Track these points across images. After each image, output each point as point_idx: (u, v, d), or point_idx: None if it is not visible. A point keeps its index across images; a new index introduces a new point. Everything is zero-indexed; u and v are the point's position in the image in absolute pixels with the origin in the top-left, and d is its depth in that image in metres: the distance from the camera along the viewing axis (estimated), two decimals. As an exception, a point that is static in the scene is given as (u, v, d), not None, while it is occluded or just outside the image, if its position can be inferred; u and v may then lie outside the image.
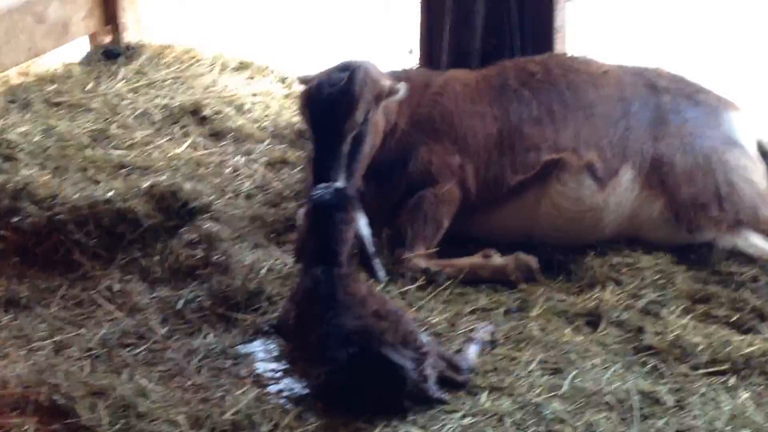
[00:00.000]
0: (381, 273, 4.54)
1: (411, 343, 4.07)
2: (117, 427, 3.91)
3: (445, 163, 5.22)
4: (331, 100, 4.97)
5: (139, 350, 4.47)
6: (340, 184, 4.66)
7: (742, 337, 4.52)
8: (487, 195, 5.26)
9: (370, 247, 4.49)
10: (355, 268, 4.49)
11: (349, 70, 5.02)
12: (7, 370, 4.18)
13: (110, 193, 5.18)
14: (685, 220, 5.15)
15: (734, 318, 4.68)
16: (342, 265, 4.37)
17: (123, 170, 5.75)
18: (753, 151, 5.31)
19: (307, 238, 4.51)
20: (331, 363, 4.04)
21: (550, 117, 5.27)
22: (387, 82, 5.11)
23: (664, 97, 5.31)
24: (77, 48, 7.44)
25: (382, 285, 4.78)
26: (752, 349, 4.39)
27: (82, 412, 3.95)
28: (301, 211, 4.69)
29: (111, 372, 4.28)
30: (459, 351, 4.36)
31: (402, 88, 5.12)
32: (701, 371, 4.32)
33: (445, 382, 4.16)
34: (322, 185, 4.57)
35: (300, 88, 5.43)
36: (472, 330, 4.55)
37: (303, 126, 5.93)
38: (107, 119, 6.36)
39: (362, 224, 4.50)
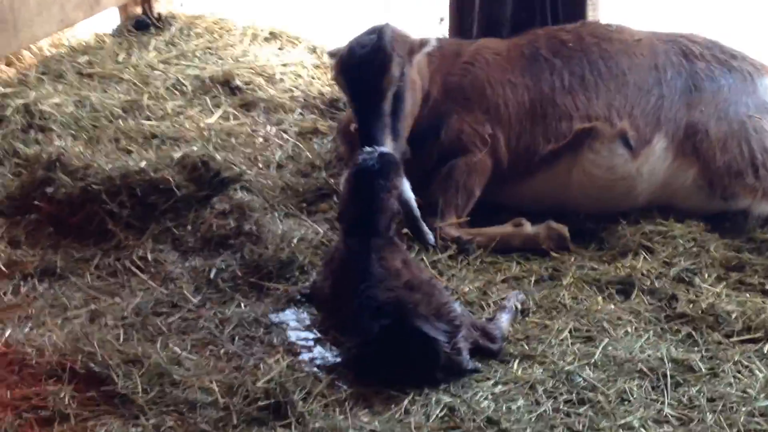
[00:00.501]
0: (429, 236, 4.56)
1: (444, 316, 4.07)
2: (152, 394, 3.95)
3: (477, 132, 5.20)
4: (366, 60, 4.95)
5: (172, 319, 4.50)
6: (384, 148, 4.61)
7: (776, 304, 4.49)
8: (519, 164, 5.25)
9: (416, 212, 4.48)
10: (394, 235, 4.47)
11: (375, 31, 5.01)
12: (43, 339, 4.22)
13: (143, 164, 5.21)
14: (720, 187, 5.11)
15: (768, 286, 4.65)
16: (380, 234, 4.37)
17: (155, 140, 5.79)
18: (789, 118, 5.26)
19: (347, 205, 4.51)
20: (364, 335, 4.05)
21: (583, 86, 5.24)
22: (415, 38, 5.11)
23: (698, 64, 5.26)
24: (108, 19, 7.47)
25: (430, 250, 4.83)
26: (787, 316, 4.37)
27: (118, 380, 3.99)
28: (344, 176, 4.67)
29: (145, 340, 4.32)
30: (491, 319, 4.36)
31: (433, 39, 5.11)
32: (734, 339, 4.30)
33: (478, 351, 4.16)
34: (367, 150, 4.55)
35: (331, 61, 5.42)
36: (503, 299, 4.55)
37: (340, 95, 5.92)
38: (139, 90, 6.40)
39: (406, 190, 4.48)
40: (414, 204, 4.50)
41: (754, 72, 5.29)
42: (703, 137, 5.12)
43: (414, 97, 5.11)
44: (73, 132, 5.82)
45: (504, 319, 4.37)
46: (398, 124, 4.97)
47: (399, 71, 4.95)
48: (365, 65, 4.95)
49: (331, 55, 5.34)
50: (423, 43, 5.11)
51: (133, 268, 4.85)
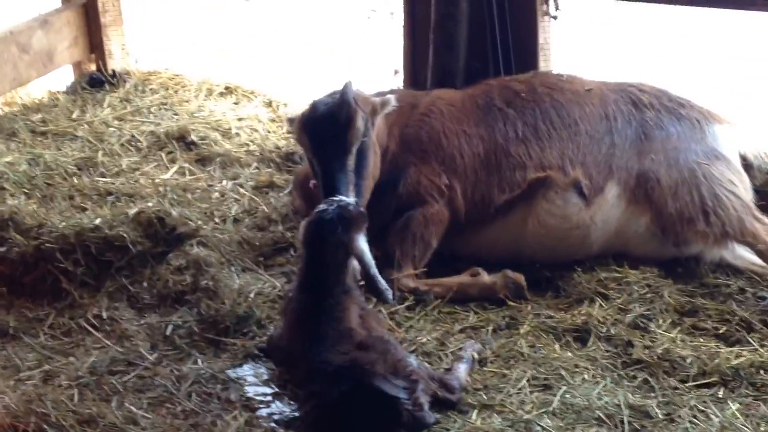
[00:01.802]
0: (388, 293, 4.43)
1: (401, 371, 4.04)
2: (107, 455, 3.90)
3: (433, 183, 5.23)
4: (331, 113, 4.94)
5: (128, 377, 4.46)
6: (347, 199, 4.52)
7: (730, 348, 4.53)
8: (475, 214, 5.27)
9: (373, 268, 4.39)
10: (350, 288, 4.42)
11: (337, 92, 5.03)
12: (-5, 401, 4.17)
13: (97, 221, 5.18)
14: (672, 234, 5.16)
15: (722, 330, 4.68)
16: (332, 293, 4.31)
17: (110, 197, 5.76)
18: (737, 163, 5.34)
19: (302, 257, 4.47)
20: (321, 397, 4.01)
21: (536, 135, 5.29)
22: (376, 99, 5.14)
23: (647, 113, 5.34)
24: (62, 76, 7.46)
25: (390, 305, 4.81)
26: (740, 360, 4.40)
27: (72, 441, 3.94)
28: (303, 223, 4.54)
29: (100, 400, 4.27)
30: (449, 370, 4.36)
31: (392, 98, 5.15)
32: (690, 384, 4.32)
33: (436, 402, 4.15)
34: (329, 200, 4.49)
35: (289, 126, 5.40)
36: (460, 349, 4.55)
37: (296, 148, 5.92)
38: (93, 147, 6.38)
39: (361, 245, 4.40)
40: (371, 260, 4.40)
41: (702, 119, 5.37)
42: (655, 185, 5.18)
43: (375, 159, 5.12)
44: (26, 190, 5.78)
45: (461, 369, 4.36)
46: (361, 182, 4.96)
47: (363, 126, 4.95)
48: (330, 119, 4.94)
49: (290, 121, 5.34)
50: (384, 102, 5.14)
51: (88, 327, 4.81)
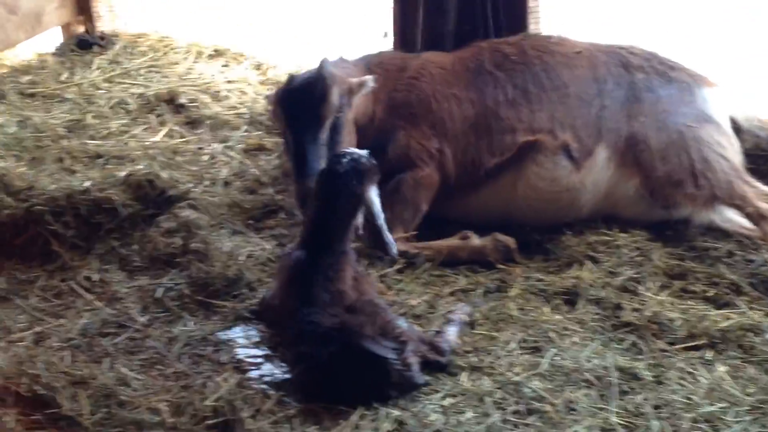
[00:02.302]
0: (392, 246, 4.45)
1: (390, 333, 4.07)
2: (98, 416, 3.92)
3: (423, 147, 5.22)
4: (305, 87, 4.95)
5: (119, 339, 4.47)
6: (359, 151, 4.47)
7: (719, 311, 4.55)
8: (465, 178, 5.27)
9: (381, 220, 4.40)
10: (347, 249, 4.40)
11: (316, 67, 5.01)
12: (-13, 362, 4.18)
13: (87, 183, 5.17)
14: (661, 197, 5.17)
15: (711, 293, 4.70)
16: (331, 250, 4.30)
17: (100, 160, 5.75)
18: (727, 126, 5.34)
19: (309, 209, 4.45)
20: (310, 360, 4.03)
21: (526, 99, 5.28)
22: (353, 79, 5.09)
23: (637, 75, 5.33)
24: (51, 39, 7.41)
25: (394, 260, 4.84)
26: (729, 323, 4.43)
27: (63, 402, 3.96)
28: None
29: (91, 361, 4.28)
30: (438, 332, 4.38)
31: (370, 79, 5.11)
32: (679, 346, 4.35)
33: (426, 364, 4.17)
34: (341, 151, 4.48)
35: (268, 100, 5.36)
36: (450, 312, 4.57)
37: (279, 128, 5.91)
38: (83, 109, 6.36)
39: (374, 197, 4.40)
40: (380, 212, 4.40)
41: (692, 82, 5.37)
42: (644, 147, 5.18)
43: (351, 137, 5.09)
44: (16, 152, 5.77)
45: (452, 332, 4.38)
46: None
47: (338, 101, 4.94)
48: (305, 92, 4.93)
49: (268, 98, 5.32)
50: (361, 83, 5.08)
51: (79, 289, 4.81)
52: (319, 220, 4.38)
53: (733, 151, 5.25)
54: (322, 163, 4.76)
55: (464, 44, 5.67)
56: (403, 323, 4.23)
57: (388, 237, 4.43)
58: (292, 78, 5.07)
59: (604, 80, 5.30)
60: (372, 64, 5.42)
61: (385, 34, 6.67)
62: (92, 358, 4.31)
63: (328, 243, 4.32)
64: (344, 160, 4.38)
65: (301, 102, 4.93)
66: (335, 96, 4.93)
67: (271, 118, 5.34)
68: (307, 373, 4.06)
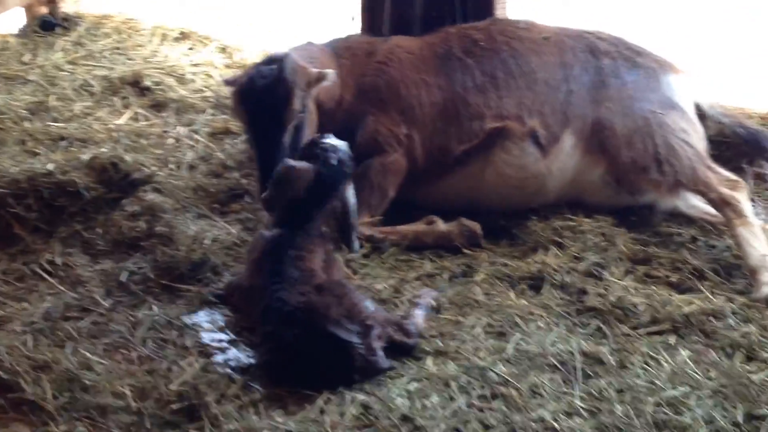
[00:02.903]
0: (356, 244, 4.53)
1: (356, 316, 4.07)
2: (62, 400, 3.89)
3: (392, 132, 5.22)
4: (267, 91, 4.85)
5: (82, 323, 4.43)
6: (339, 142, 4.50)
7: (682, 296, 4.59)
8: (433, 164, 5.27)
9: (354, 217, 4.45)
10: (320, 232, 4.42)
11: (276, 60, 4.93)
12: (-52, 347, 4.13)
13: (50, 166, 5.12)
14: (626, 183, 5.20)
15: (674, 278, 4.75)
16: (306, 231, 4.32)
17: (62, 142, 5.70)
18: (691, 113, 5.37)
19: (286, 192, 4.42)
20: (276, 342, 4.04)
21: (494, 85, 5.29)
22: (314, 70, 5.01)
23: (604, 61, 5.35)
24: (13, 19, 7.32)
25: (352, 255, 4.83)
26: (692, 308, 4.46)
27: (26, 386, 3.93)
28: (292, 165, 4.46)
29: (55, 345, 4.24)
30: (407, 316, 4.38)
31: (330, 74, 5.03)
32: (642, 331, 4.38)
33: (392, 348, 4.17)
34: (333, 143, 4.48)
35: (228, 90, 5.27)
36: (417, 296, 4.57)
37: (240, 126, 5.88)
38: (45, 91, 6.29)
39: (351, 193, 4.47)
40: (355, 211, 4.48)
41: (658, 68, 5.39)
42: (609, 134, 5.20)
43: (311, 130, 5.02)
44: (-23, 134, 5.70)
45: (419, 315, 4.39)
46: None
47: (301, 104, 4.88)
48: (267, 95, 4.85)
49: (228, 83, 5.23)
50: (321, 77, 4.98)
51: (42, 273, 4.77)
52: (300, 204, 4.37)
53: (697, 138, 5.28)
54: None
55: (432, 29, 5.65)
56: (370, 306, 4.23)
57: (356, 235, 4.50)
58: (253, 77, 4.93)
59: (571, 65, 5.32)
60: (340, 48, 5.39)
61: (353, 18, 6.65)
62: (55, 342, 4.27)
63: (302, 224, 4.33)
64: (341, 147, 4.44)
65: (263, 106, 4.85)
66: (297, 100, 4.86)
67: (233, 112, 5.25)
68: (272, 354, 4.06)
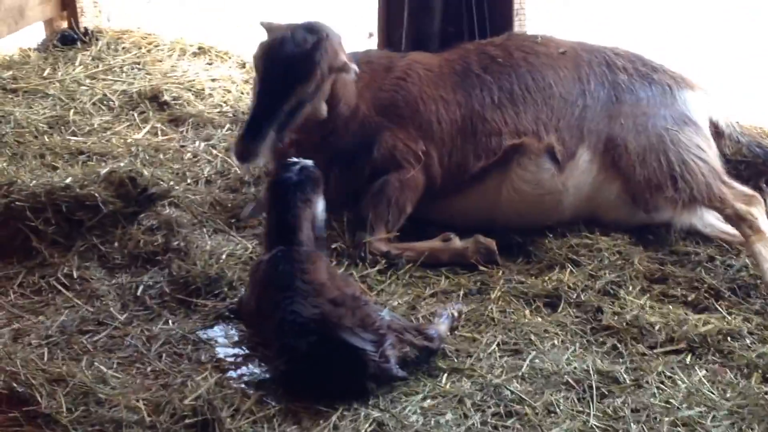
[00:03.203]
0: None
1: (369, 326, 4.08)
2: (76, 413, 3.89)
3: (410, 148, 5.22)
4: (293, 60, 4.91)
5: (98, 337, 4.44)
6: (307, 162, 4.60)
7: (698, 316, 4.58)
8: (451, 181, 5.27)
9: (321, 232, 4.51)
10: (316, 247, 4.50)
11: (316, 34, 4.97)
12: (-35, 359, 4.15)
13: (68, 180, 5.13)
14: (642, 201, 5.19)
15: (690, 297, 4.74)
16: (301, 244, 4.39)
17: (81, 156, 5.73)
18: (706, 128, 5.36)
19: (267, 216, 4.55)
20: (291, 352, 4.04)
21: (511, 101, 5.29)
22: (344, 57, 5.06)
23: (620, 76, 5.35)
24: (34, 34, 7.37)
25: (359, 264, 4.89)
26: (708, 327, 4.45)
27: (42, 400, 3.93)
28: (264, 187, 4.70)
29: (70, 359, 4.25)
30: (428, 322, 4.40)
31: (354, 70, 5.07)
32: (658, 350, 4.37)
33: (406, 362, 4.17)
34: (289, 162, 4.55)
35: (263, 31, 5.25)
36: (435, 311, 4.56)
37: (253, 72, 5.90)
38: (65, 105, 6.33)
39: (320, 208, 4.51)
40: (322, 225, 4.56)
41: (673, 84, 5.38)
42: (622, 152, 5.19)
43: (317, 106, 5.07)
44: (-4, 148, 5.74)
45: (442, 323, 4.39)
46: (289, 124, 4.97)
47: (315, 87, 4.94)
48: (289, 65, 4.91)
49: (266, 27, 5.21)
50: (346, 68, 5.04)
51: (58, 286, 4.78)
52: (278, 226, 4.47)
53: (712, 153, 5.26)
54: (273, 128, 4.87)
55: (449, 45, 5.67)
56: (386, 314, 4.24)
57: (322, 249, 4.59)
58: (287, 38, 4.98)
59: (588, 80, 5.32)
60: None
61: (370, 35, 6.68)
62: (71, 356, 4.28)
63: (297, 240, 4.39)
64: (295, 168, 4.53)
65: (281, 72, 4.92)
66: (314, 82, 4.93)
67: (253, 59, 5.28)
68: (287, 364, 4.06)
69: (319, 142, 5.17)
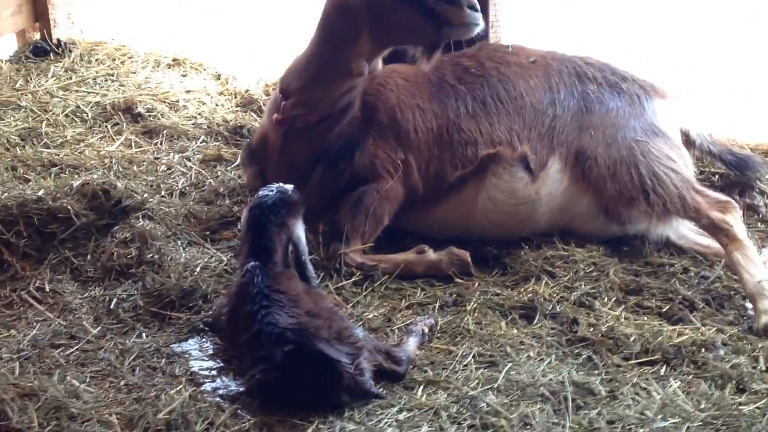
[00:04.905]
0: (314, 281, 4.57)
1: (346, 338, 4.09)
2: (48, 429, 3.85)
3: (390, 157, 5.23)
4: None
5: (71, 351, 4.41)
6: (286, 186, 4.63)
7: (673, 327, 4.58)
8: (429, 191, 5.29)
9: (305, 256, 4.51)
10: (290, 267, 4.53)
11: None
12: (-66, 374, 4.10)
13: (41, 192, 5.11)
14: (615, 214, 5.20)
15: (665, 309, 4.74)
16: (276, 262, 4.39)
17: (54, 169, 5.70)
18: (677, 138, 5.38)
19: (244, 234, 4.54)
20: (267, 361, 4.03)
21: (485, 111, 5.31)
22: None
23: (589, 86, 5.37)
24: (6, 45, 7.32)
25: (334, 276, 4.88)
26: (682, 338, 4.45)
27: (13, 414, 3.89)
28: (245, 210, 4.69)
29: (42, 373, 4.22)
30: (399, 344, 4.37)
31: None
32: (633, 362, 4.36)
33: (382, 376, 4.17)
34: (269, 186, 4.59)
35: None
36: (411, 323, 4.57)
37: (244, 121, 5.92)
38: (37, 117, 6.29)
39: (299, 231, 4.53)
40: (306, 248, 4.55)
41: (642, 94, 5.40)
42: (593, 164, 5.21)
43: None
44: (-32, 160, 5.69)
45: (411, 343, 4.38)
46: None
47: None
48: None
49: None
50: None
51: (30, 299, 4.75)
52: (254, 245, 4.47)
53: (683, 163, 5.27)
54: None
55: (425, 58, 5.68)
56: (359, 332, 4.24)
57: (311, 272, 4.58)
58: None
59: (558, 89, 5.35)
60: None
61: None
62: (43, 370, 4.25)
63: (271, 259, 4.41)
64: (272, 192, 4.54)
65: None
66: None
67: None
68: (263, 373, 4.04)
69: (314, 126, 5.21)
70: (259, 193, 4.60)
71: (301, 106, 5.22)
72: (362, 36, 5.12)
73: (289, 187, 4.63)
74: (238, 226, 5.31)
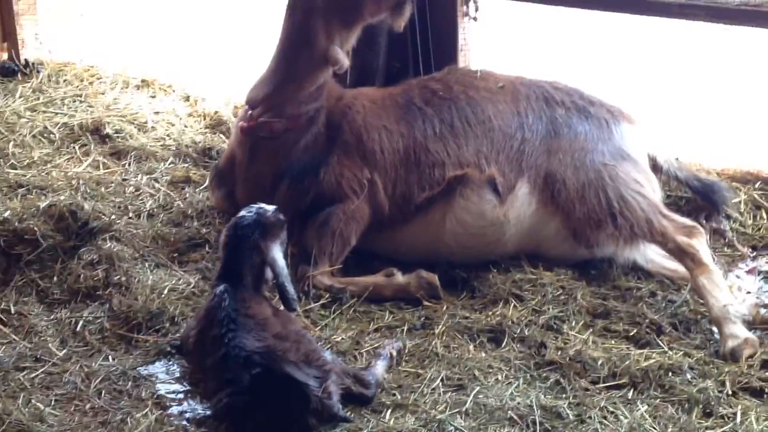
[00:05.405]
0: (294, 302, 4.46)
1: (313, 362, 4.08)
2: (12, 452, 3.82)
3: (355, 177, 5.24)
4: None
5: (36, 374, 4.37)
6: (267, 207, 4.57)
7: (640, 351, 4.59)
8: (397, 212, 5.30)
9: (284, 277, 4.45)
10: (262, 291, 4.50)
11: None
12: None
13: (7, 213, 5.07)
14: (583, 237, 5.22)
15: (632, 332, 4.75)
16: (245, 287, 4.37)
17: (20, 190, 5.65)
18: (644, 163, 5.42)
19: (221, 254, 4.54)
20: (234, 384, 4.01)
21: (452, 133, 5.34)
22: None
23: (558, 110, 5.41)
24: (-27, 65, 7.28)
25: (302, 299, 4.84)
26: (650, 362, 4.47)
27: (-24, 439, 3.86)
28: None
29: (6, 396, 4.18)
30: (366, 367, 4.36)
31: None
32: (601, 385, 4.38)
33: (350, 399, 4.16)
34: (250, 207, 4.55)
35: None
36: (378, 346, 4.56)
37: (213, 143, 5.89)
38: (4, 138, 6.25)
39: (274, 253, 4.47)
40: (284, 270, 4.46)
41: (610, 118, 5.44)
42: (561, 188, 5.24)
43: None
44: (-67, 180, 5.64)
45: (379, 366, 4.37)
46: None
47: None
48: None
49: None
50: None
51: (-5, 322, 4.70)
52: (227, 266, 4.46)
53: (650, 188, 5.32)
54: None
55: (395, 81, 5.72)
56: (328, 356, 4.24)
57: (291, 293, 4.44)
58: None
59: (526, 114, 5.39)
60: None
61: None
62: (7, 393, 4.21)
63: (241, 283, 4.38)
64: (250, 212, 4.49)
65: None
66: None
67: None
68: (230, 397, 4.01)
69: (280, 136, 5.22)
70: (239, 213, 4.55)
71: (268, 113, 5.24)
72: (328, 22, 5.17)
73: (270, 208, 4.56)
74: (206, 249, 5.30)
